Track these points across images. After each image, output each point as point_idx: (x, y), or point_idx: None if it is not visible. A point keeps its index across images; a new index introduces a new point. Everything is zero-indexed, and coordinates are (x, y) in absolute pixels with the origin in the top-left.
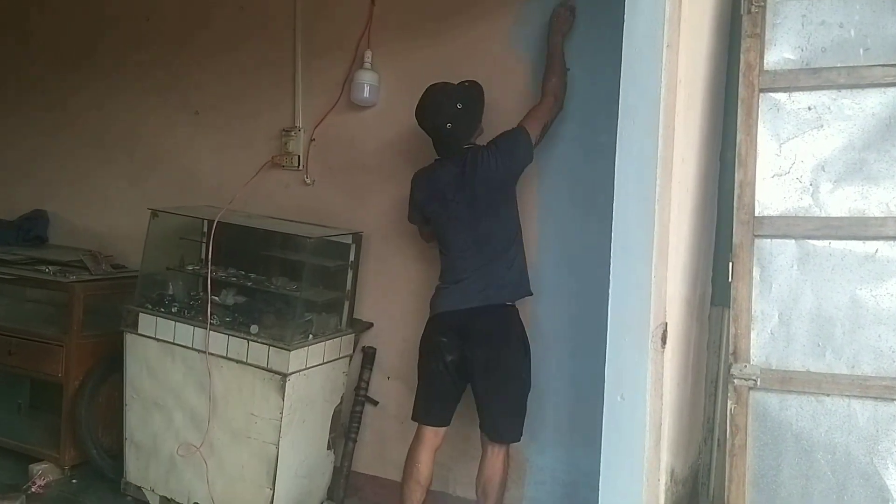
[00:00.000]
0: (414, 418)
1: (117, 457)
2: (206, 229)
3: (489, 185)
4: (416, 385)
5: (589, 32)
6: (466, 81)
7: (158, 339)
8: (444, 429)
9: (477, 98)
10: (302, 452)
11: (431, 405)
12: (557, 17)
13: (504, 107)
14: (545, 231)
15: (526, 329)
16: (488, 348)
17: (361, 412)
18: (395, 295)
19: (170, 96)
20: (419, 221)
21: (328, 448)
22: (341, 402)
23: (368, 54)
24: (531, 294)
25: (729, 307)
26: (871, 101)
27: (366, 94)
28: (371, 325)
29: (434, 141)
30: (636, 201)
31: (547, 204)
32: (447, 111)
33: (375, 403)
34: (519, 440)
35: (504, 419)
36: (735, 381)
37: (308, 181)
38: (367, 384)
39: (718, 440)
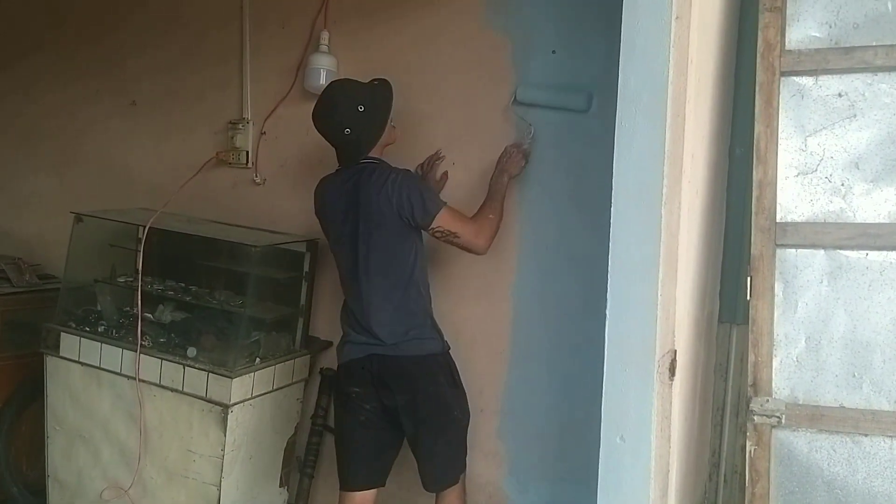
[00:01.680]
0: (341, 487)
1: (43, 493)
2: (140, 235)
3: (377, 217)
4: (335, 450)
5: (577, 2)
6: (376, 80)
7: (83, 363)
8: (371, 493)
9: (383, 99)
10: (248, 493)
11: (353, 465)
12: (508, 158)
13: (477, 94)
14: (527, 240)
15: (502, 352)
16: (408, 393)
17: (319, 443)
18: None
19: (103, 85)
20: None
21: (281, 485)
22: (295, 433)
23: (325, 35)
24: (444, 351)
25: (737, 323)
26: None
27: (322, 80)
28: (329, 343)
29: (335, 148)
30: (639, 206)
31: (528, 207)
32: (346, 114)
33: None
34: (463, 471)
35: (443, 467)
36: (755, 418)
37: (258, 180)
38: (326, 411)
39: (725, 475)
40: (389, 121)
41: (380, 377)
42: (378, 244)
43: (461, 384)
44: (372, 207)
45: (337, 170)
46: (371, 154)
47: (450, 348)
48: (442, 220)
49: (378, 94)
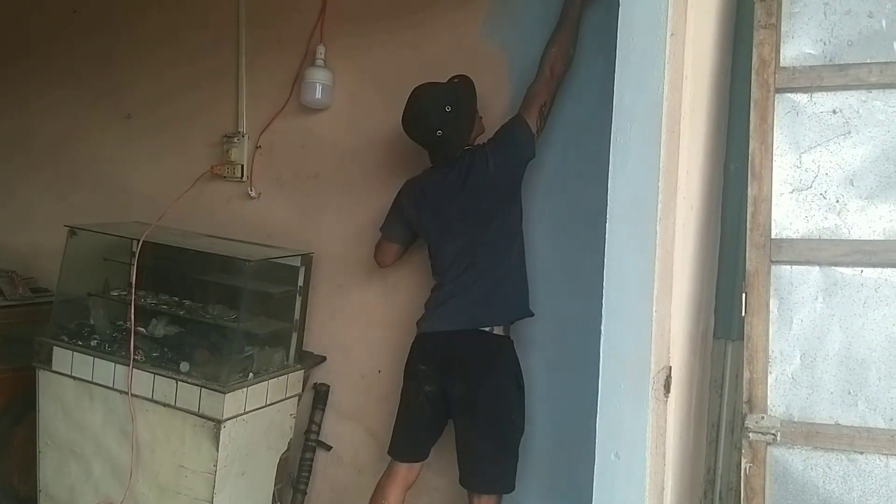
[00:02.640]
0: (388, 452)
1: None
2: (134, 249)
3: (486, 189)
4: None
5: None
6: (455, 77)
7: (75, 377)
8: (418, 465)
9: (467, 96)
10: None
11: (405, 438)
12: None
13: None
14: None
15: None
16: (469, 382)
17: (312, 459)
18: (351, 325)
19: (100, 98)
20: (396, 237)
21: (273, 502)
22: (288, 449)
23: (321, 50)
24: (531, 314)
25: (732, 339)
26: None
27: (318, 94)
28: (323, 358)
29: (427, 150)
30: (634, 221)
31: (524, 223)
32: (435, 117)
33: (329, 448)
34: (510, 490)
35: (486, 466)
36: (750, 435)
37: (252, 194)
38: (319, 427)
39: (721, 493)
40: (475, 114)
41: (449, 356)
42: (496, 217)
43: (523, 390)
44: (485, 180)
45: (430, 168)
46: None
47: (532, 314)
48: (531, 117)
49: (461, 92)
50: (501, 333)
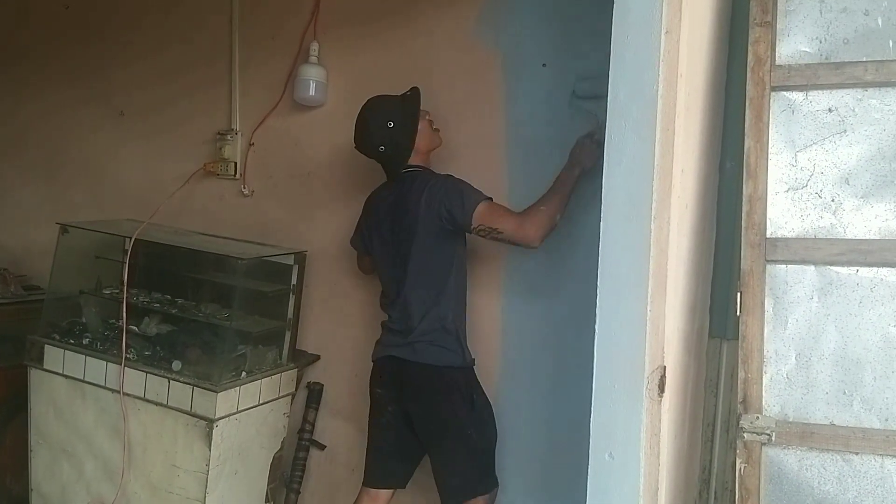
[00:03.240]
0: (363, 482)
1: None
2: (126, 247)
3: (417, 225)
4: None
5: (569, 14)
6: (409, 91)
7: (67, 376)
8: (386, 493)
9: (410, 111)
10: None
11: (374, 464)
12: (582, 149)
13: (470, 110)
14: (515, 256)
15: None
16: (419, 406)
17: (306, 458)
18: (345, 323)
19: (92, 95)
20: (360, 248)
21: (266, 501)
22: (282, 448)
23: (315, 47)
24: (468, 365)
25: (727, 339)
26: None
27: (312, 91)
28: (317, 357)
29: (379, 164)
30: (628, 220)
31: None
32: (377, 132)
33: (322, 448)
34: (489, 489)
35: (451, 480)
36: (745, 435)
37: (246, 192)
38: (313, 426)
39: (716, 493)
40: (423, 127)
41: (399, 381)
42: (417, 251)
43: (483, 404)
44: (413, 215)
45: (384, 182)
46: (415, 161)
47: (474, 363)
48: (481, 217)
49: (407, 107)
50: (444, 365)
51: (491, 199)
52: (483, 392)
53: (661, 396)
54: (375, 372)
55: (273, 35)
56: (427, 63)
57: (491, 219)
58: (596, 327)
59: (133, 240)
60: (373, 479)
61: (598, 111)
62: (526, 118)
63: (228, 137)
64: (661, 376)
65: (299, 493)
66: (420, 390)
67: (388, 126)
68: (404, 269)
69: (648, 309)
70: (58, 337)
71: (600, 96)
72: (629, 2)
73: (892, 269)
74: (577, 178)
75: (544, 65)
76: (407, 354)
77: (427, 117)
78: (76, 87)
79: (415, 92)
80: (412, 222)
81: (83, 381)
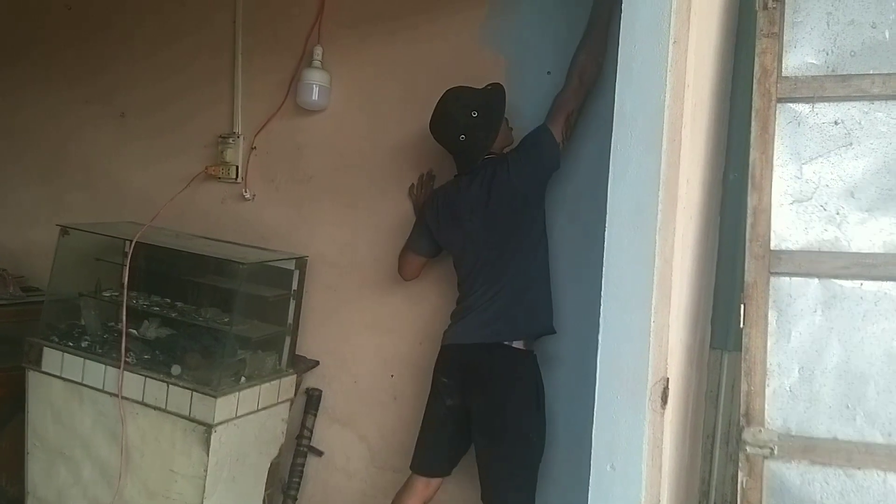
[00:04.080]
0: (410, 466)
1: None
2: (126, 249)
3: (508, 199)
4: None
5: (574, 23)
6: (489, 85)
7: (65, 379)
8: (436, 480)
9: (497, 104)
10: None
11: (426, 451)
12: None
13: None
14: None
15: None
16: (489, 397)
17: (304, 465)
18: (345, 329)
19: (93, 96)
20: (425, 251)
21: None
22: (280, 454)
23: (318, 51)
24: (552, 332)
25: (728, 350)
26: None
27: (315, 96)
28: (317, 363)
29: (452, 154)
30: (633, 231)
31: None
32: (461, 120)
33: (320, 454)
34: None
35: (504, 488)
36: (748, 448)
37: (247, 195)
38: (311, 432)
39: None
40: (505, 123)
41: (469, 372)
42: (512, 228)
43: (544, 410)
44: (508, 190)
45: (454, 177)
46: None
47: (554, 332)
48: (557, 128)
49: (492, 99)
50: (522, 348)
51: (545, 123)
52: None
53: (664, 408)
54: (443, 359)
55: (276, 38)
56: (431, 69)
57: (561, 121)
58: (600, 338)
59: (133, 242)
60: (426, 466)
61: None
62: (530, 125)
63: (230, 141)
64: (664, 388)
65: (296, 499)
66: (493, 381)
67: (471, 115)
68: (498, 248)
69: (652, 320)
70: (56, 339)
71: None
72: (637, 10)
73: None
74: (609, 9)
75: (549, 72)
76: (492, 337)
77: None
78: (77, 87)
79: (498, 87)
80: (508, 197)
81: (81, 384)
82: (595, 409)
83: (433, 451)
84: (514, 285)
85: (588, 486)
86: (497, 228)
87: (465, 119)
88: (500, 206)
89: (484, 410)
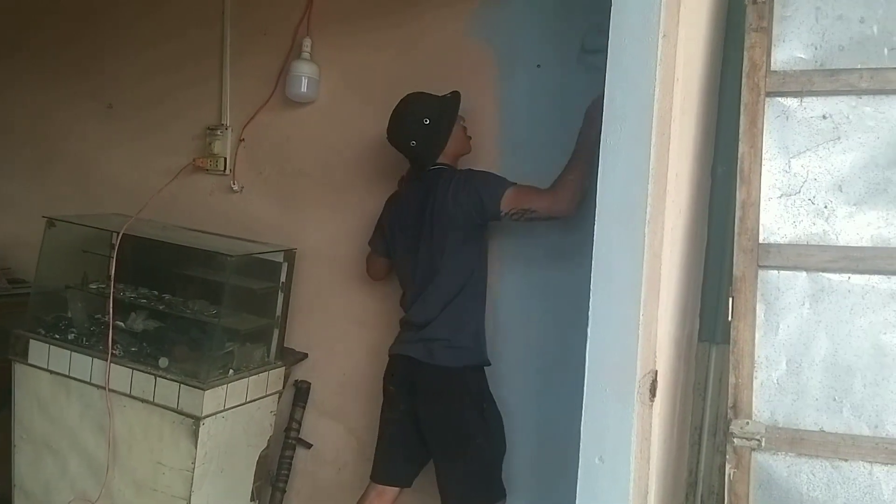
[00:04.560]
0: (370, 474)
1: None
2: (113, 241)
3: (440, 217)
4: None
5: (564, 16)
6: (450, 93)
7: (51, 371)
8: (391, 490)
9: (449, 114)
10: None
11: (381, 458)
12: (597, 109)
13: (463, 108)
14: (508, 258)
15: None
16: (429, 407)
17: (292, 457)
18: (333, 322)
19: (79, 86)
20: (379, 250)
21: (252, 500)
22: (268, 447)
23: (307, 42)
24: (487, 364)
25: (716, 343)
26: None
27: (303, 88)
28: (305, 356)
29: (408, 160)
30: (622, 224)
31: (510, 224)
32: (411, 127)
33: (309, 446)
34: (497, 500)
35: (457, 488)
36: (735, 440)
37: (235, 188)
38: (300, 424)
39: (702, 497)
40: (457, 132)
41: (411, 381)
42: (444, 245)
43: (494, 414)
44: (441, 209)
45: (409, 179)
46: (442, 162)
47: (488, 364)
48: (510, 202)
49: (445, 107)
50: (458, 366)
51: (516, 183)
52: (494, 402)
53: (653, 401)
54: (390, 368)
55: (265, 30)
56: (421, 62)
57: (521, 200)
58: (588, 331)
59: (120, 235)
60: (380, 474)
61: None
62: (520, 118)
63: (218, 133)
64: (653, 381)
65: (285, 491)
66: (431, 394)
67: (423, 123)
68: (430, 263)
69: (641, 313)
70: (43, 331)
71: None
72: (627, 4)
73: (884, 276)
74: (596, 139)
75: (539, 66)
76: (422, 355)
77: (462, 123)
78: (63, 78)
79: (455, 96)
80: (440, 216)
81: (68, 376)
82: (583, 401)
83: (387, 458)
84: (439, 307)
85: (576, 478)
86: (432, 243)
87: (416, 126)
88: (431, 221)
89: (429, 420)
